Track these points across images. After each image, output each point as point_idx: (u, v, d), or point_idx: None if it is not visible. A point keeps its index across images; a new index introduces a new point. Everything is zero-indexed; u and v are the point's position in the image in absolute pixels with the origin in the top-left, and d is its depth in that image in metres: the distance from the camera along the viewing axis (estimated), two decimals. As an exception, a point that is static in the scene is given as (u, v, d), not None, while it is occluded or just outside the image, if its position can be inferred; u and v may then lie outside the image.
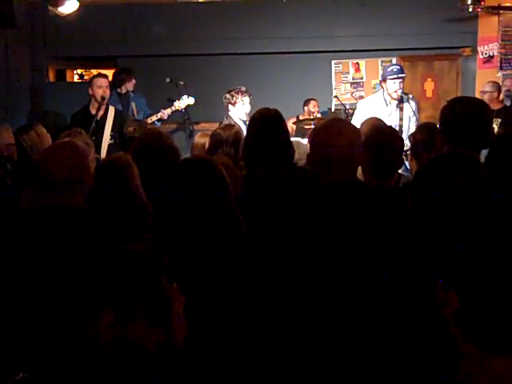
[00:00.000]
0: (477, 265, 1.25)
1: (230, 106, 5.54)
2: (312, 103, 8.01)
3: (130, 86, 6.89)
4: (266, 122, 3.22)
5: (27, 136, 4.55)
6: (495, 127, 6.35)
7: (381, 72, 7.95)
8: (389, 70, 5.57)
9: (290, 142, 3.26)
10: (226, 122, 5.48)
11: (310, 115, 7.74)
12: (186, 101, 6.69)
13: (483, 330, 1.23)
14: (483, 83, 7.35)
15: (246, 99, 5.51)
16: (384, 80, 5.58)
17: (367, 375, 1.93)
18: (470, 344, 1.24)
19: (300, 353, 1.93)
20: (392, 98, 5.48)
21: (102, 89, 5.72)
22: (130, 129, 4.58)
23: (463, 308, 1.24)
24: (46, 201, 2.40)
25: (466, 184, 1.66)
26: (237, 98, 5.50)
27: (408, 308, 1.90)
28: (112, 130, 5.67)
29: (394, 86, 5.45)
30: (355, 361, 1.95)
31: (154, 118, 6.55)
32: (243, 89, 5.57)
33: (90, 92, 5.79)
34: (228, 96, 5.54)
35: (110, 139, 5.67)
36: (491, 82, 7.21)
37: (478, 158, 2.32)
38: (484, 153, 2.69)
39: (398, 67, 5.65)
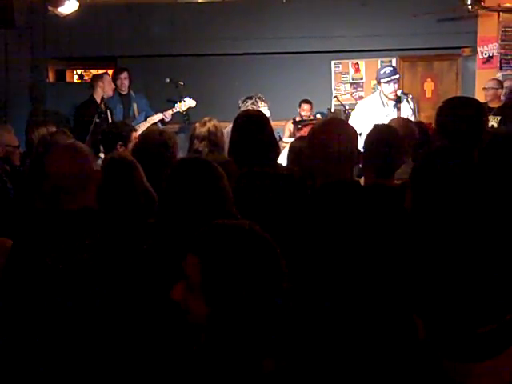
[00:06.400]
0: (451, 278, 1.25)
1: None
2: (302, 106, 7.81)
3: (121, 85, 6.79)
4: (248, 121, 3.24)
5: (37, 132, 4.55)
6: (495, 125, 6.36)
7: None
8: (382, 72, 5.57)
9: (275, 142, 3.28)
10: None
11: (302, 118, 7.63)
12: (187, 103, 6.66)
13: (452, 343, 1.23)
14: (483, 84, 7.36)
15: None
16: (379, 82, 5.58)
17: (354, 375, 1.94)
18: (444, 357, 1.24)
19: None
20: (389, 99, 5.48)
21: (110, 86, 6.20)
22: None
23: (431, 324, 1.24)
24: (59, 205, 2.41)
25: (463, 175, 1.66)
26: (246, 106, 5.50)
27: (397, 311, 1.91)
28: None
29: (389, 88, 5.45)
30: (341, 360, 1.96)
31: (155, 119, 6.54)
32: (257, 98, 5.54)
33: None
34: (239, 102, 5.57)
35: None
36: (495, 79, 7.24)
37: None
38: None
39: (391, 68, 5.65)
